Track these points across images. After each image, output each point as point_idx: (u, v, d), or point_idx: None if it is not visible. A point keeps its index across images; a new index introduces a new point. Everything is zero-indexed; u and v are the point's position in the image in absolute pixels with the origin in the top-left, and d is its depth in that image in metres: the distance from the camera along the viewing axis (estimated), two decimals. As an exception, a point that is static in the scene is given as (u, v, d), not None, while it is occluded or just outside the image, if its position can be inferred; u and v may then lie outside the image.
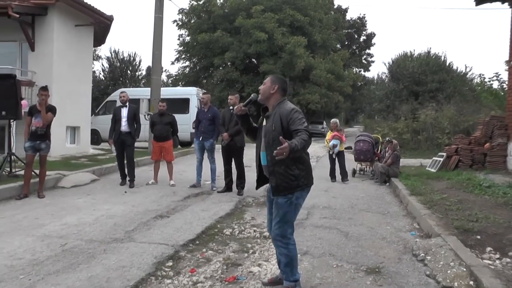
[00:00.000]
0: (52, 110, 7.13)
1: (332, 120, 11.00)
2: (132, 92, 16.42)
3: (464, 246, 4.45)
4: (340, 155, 10.22)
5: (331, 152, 10.30)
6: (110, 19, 14.01)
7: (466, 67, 34.79)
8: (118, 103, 9.08)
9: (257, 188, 3.72)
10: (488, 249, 4.48)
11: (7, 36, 12.43)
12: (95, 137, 17.31)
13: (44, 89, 7.13)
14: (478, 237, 4.86)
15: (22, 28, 11.69)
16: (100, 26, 14.09)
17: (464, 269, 3.85)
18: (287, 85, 3.64)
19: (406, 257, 4.52)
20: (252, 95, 3.61)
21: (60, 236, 4.87)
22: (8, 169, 7.79)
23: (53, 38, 12.26)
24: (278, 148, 2.99)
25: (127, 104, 8.51)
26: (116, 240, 4.76)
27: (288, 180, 3.30)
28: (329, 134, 10.68)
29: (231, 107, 7.94)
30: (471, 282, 3.63)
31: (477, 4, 11.44)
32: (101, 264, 3.96)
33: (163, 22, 14.44)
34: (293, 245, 3.45)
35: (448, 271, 3.89)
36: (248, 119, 3.69)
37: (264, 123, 3.48)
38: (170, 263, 4.08)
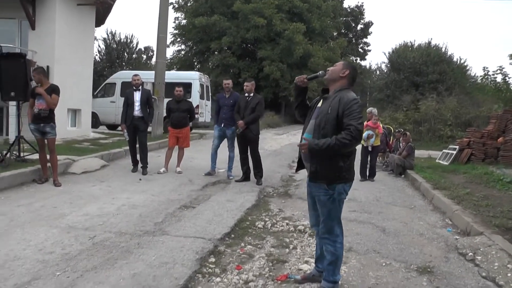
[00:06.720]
0: (55, 90, 6.60)
1: (368, 109, 9.78)
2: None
3: (515, 247, 4.26)
4: (374, 150, 9.19)
5: (365, 145, 9.03)
6: (113, -2, 13.51)
7: (460, 59, 34.79)
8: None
9: (296, 170, 3.57)
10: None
11: (5, 13, 11.87)
12: (94, 120, 16.86)
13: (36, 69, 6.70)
14: (525, 236, 4.68)
15: (23, 5, 11.16)
16: (103, 6, 13.57)
17: (526, 273, 3.67)
18: (357, 76, 3.39)
19: (453, 255, 4.33)
20: (320, 72, 3.32)
21: (85, 227, 4.57)
22: (16, 153, 7.41)
23: (55, 17, 11.73)
24: (300, 144, 3.13)
25: (140, 87, 8.16)
26: (147, 233, 4.47)
27: (329, 169, 3.08)
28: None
29: (246, 94, 7.70)
30: (539, 287, 3.44)
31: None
32: (141, 260, 3.68)
33: (168, 3, 14.00)
34: (340, 243, 3.26)
35: (509, 274, 3.70)
36: (305, 94, 3.48)
37: (320, 104, 3.25)
38: (212, 259, 3.83)
